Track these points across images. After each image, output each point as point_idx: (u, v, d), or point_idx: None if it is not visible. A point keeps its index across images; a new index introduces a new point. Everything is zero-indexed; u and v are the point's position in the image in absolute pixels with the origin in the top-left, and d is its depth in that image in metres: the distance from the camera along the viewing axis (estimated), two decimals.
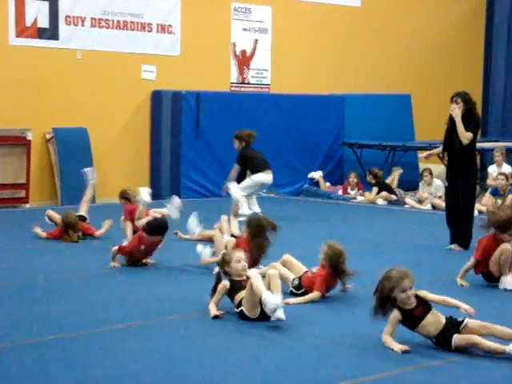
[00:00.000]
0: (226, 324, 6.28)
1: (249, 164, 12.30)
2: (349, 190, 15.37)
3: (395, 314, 5.58)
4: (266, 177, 12.31)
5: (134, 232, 9.03)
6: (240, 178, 12.28)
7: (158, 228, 8.30)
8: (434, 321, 5.58)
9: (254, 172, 12.27)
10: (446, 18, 19.32)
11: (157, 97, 15.13)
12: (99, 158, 14.02)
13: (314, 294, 6.98)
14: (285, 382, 5.02)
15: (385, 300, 5.57)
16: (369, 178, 15.03)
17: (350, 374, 5.12)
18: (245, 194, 11.57)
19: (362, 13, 17.83)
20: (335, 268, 7.02)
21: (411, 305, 5.57)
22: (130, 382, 4.98)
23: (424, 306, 5.61)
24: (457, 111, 9.53)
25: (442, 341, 5.54)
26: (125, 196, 9.79)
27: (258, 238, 7.79)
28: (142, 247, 8.34)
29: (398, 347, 5.49)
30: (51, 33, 13.97)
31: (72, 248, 9.59)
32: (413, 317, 5.56)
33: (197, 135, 14.94)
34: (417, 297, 5.60)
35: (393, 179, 15.58)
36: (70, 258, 9.02)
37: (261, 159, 12.39)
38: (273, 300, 5.97)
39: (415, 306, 5.57)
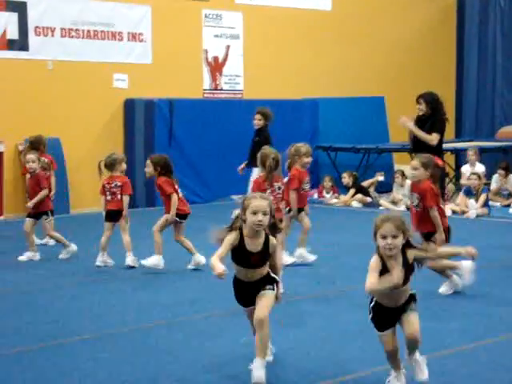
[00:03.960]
0: (189, 332, 6.27)
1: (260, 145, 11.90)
2: (324, 194, 15.41)
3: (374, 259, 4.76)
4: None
5: None
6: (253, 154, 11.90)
7: None
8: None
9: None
10: (417, 19, 19.43)
11: (129, 105, 15.10)
12: (72, 169, 13.97)
13: None
14: None
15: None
16: (348, 179, 14.95)
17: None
18: None
19: (333, 17, 17.89)
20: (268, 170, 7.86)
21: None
22: None
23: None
24: (404, 122, 9.56)
25: None
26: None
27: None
28: None
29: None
30: (21, 44, 13.92)
31: (42, 262, 9.58)
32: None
33: (170, 143, 14.91)
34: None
35: (371, 183, 15.61)
36: (43, 270, 9.01)
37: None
38: None
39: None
